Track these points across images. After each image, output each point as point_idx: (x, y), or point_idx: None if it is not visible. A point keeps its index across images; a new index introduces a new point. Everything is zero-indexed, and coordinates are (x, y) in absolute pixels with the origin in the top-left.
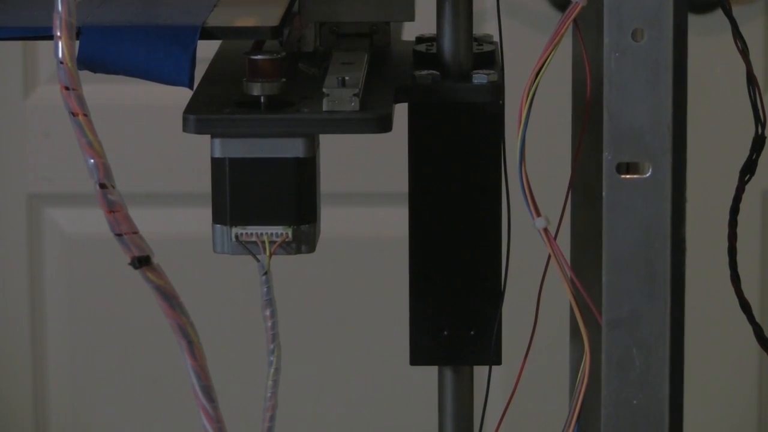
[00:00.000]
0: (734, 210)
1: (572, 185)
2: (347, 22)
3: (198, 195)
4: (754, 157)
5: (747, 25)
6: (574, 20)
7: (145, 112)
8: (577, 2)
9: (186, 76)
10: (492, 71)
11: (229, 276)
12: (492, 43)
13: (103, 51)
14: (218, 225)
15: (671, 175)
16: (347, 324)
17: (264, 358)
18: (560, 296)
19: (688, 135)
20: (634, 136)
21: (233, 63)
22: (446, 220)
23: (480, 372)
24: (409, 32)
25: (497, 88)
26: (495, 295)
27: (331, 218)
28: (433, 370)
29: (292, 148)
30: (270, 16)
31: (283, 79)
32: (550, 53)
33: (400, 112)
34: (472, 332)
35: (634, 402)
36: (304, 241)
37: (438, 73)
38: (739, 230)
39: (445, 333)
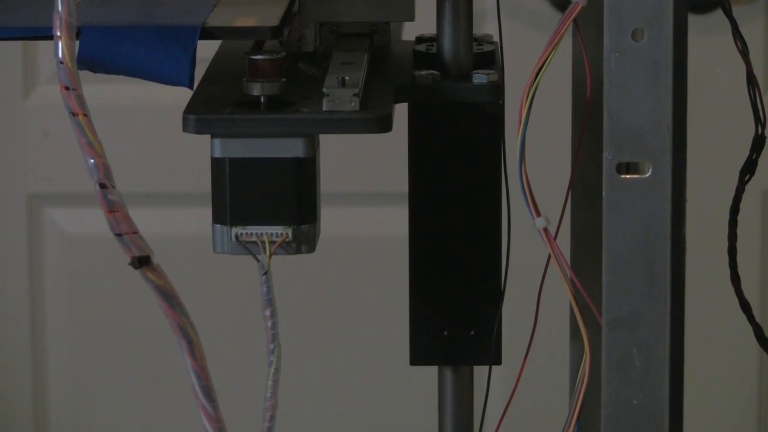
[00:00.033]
0: (734, 210)
1: (572, 185)
2: (347, 22)
3: (198, 195)
4: (754, 157)
5: (747, 25)
6: (574, 20)
7: (145, 112)
8: (577, 2)
9: (186, 76)
10: (492, 71)
11: (229, 276)
12: (492, 43)
13: (103, 51)
14: (218, 225)
15: (671, 175)
16: (347, 324)
17: (264, 358)
18: (560, 296)
19: (688, 135)
20: (634, 136)
21: (233, 63)
22: (446, 220)
23: (480, 372)
24: (409, 32)
25: (497, 88)
26: (495, 295)
27: (331, 218)
28: (433, 370)
29: (292, 148)
30: (270, 16)
31: (283, 79)
32: (550, 53)
33: (400, 112)
34: (472, 332)
35: (634, 402)
36: (304, 241)
37: (438, 73)
38: (739, 230)
39: (445, 333)
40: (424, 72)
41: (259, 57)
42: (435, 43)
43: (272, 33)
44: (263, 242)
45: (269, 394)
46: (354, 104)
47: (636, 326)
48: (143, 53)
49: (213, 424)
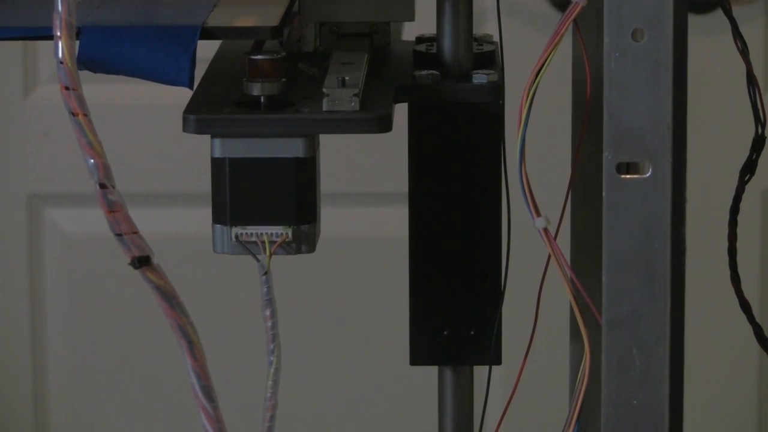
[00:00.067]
0: (734, 210)
1: (572, 185)
2: (347, 22)
3: (198, 195)
4: (754, 157)
5: (747, 25)
6: (574, 20)
7: (145, 112)
8: (577, 2)
9: (186, 76)
10: (492, 71)
11: (229, 276)
12: (492, 43)
13: (103, 51)
14: (218, 225)
15: (671, 175)
16: (347, 324)
17: (264, 358)
18: (560, 296)
19: (688, 135)
20: (634, 136)
21: (233, 63)
22: (446, 220)
23: (480, 372)
24: (409, 32)
25: (497, 88)
26: (495, 295)
27: (331, 218)
28: (433, 370)
29: (292, 148)
30: (270, 16)
31: (283, 79)
32: (550, 53)
33: (400, 112)
34: (472, 332)
35: (634, 402)
36: (304, 241)
37: (438, 73)
38: (739, 230)
39: (445, 333)
40: (424, 72)
41: (259, 57)
42: (435, 43)
43: (272, 33)
44: (263, 242)
45: (269, 394)
46: (354, 104)
47: (636, 326)
48: (143, 53)
49: (213, 424)
